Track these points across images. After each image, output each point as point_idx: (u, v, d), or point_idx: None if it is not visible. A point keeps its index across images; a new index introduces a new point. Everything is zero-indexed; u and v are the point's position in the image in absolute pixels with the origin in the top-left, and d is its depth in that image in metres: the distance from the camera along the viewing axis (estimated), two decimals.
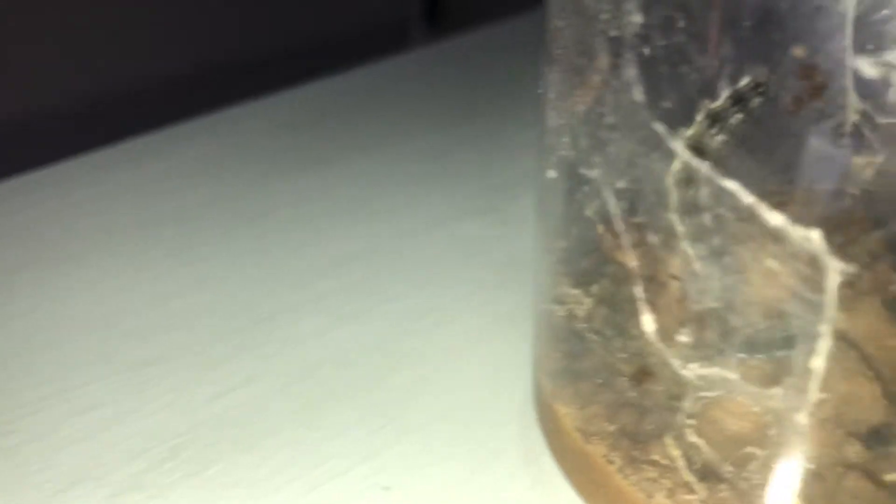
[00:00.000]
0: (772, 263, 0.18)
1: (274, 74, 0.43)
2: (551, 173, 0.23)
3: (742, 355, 0.19)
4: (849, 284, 0.17)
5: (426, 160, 0.39)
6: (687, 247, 0.19)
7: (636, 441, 0.22)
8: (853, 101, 0.17)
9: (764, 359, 0.19)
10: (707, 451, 0.20)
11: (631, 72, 0.19)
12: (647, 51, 0.18)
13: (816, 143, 0.17)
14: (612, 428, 0.23)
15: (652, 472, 0.22)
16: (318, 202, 0.37)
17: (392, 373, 0.28)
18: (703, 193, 0.17)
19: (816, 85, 0.18)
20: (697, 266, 0.19)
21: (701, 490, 0.21)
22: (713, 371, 0.19)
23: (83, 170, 0.38)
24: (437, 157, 0.39)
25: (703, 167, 0.18)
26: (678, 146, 0.18)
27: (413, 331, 0.30)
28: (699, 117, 0.19)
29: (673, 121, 0.18)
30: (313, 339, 0.30)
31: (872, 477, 0.20)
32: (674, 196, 0.18)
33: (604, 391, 0.23)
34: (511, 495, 0.24)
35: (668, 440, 0.21)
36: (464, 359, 0.29)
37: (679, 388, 0.20)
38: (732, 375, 0.19)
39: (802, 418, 0.19)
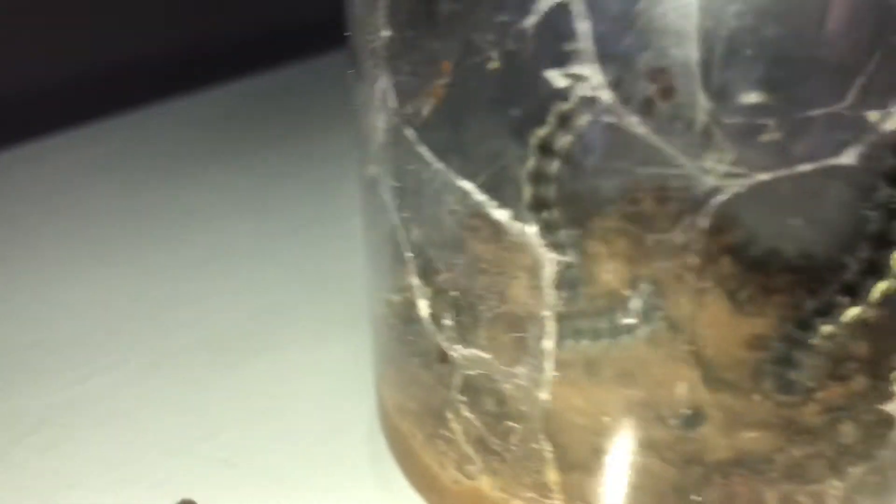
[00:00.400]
0: (502, 254, 0.20)
1: (187, 75, 0.45)
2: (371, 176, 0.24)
3: (488, 337, 0.21)
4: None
5: (328, 159, 0.41)
6: (440, 237, 0.21)
7: (431, 418, 0.24)
8: (702, 102, 0.18)
9: (507, 340, 0.21)
10: (478, 425, 0.23)
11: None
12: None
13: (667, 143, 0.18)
14: (413, 406, 0.25)
15: (442, 446, 0.24)
16: (212, 200, 0.39)
17: (246, 361, 0.31)
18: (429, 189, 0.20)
19: (666, 87, 0.20)
20: (449, 255, 0.21)
21: (478, 461, 0.23)
22: (471, 352, 0.21)
23: None
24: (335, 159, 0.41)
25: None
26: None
27: (272, 322, 0.32)
28: (551, 118, 0.20)
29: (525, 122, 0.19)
30: (180, 329, 0.32)
31: (671, 460, 0.22)
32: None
33: (405, 373, 0.25)
34: (352, 466, 0.27)
35: (450, 415, 0.23)
36: (321, 346, 0.31)
37: (450, 368, 0.22)
38: (486, 355, 0.21)
39: (544, 394, 0.21)
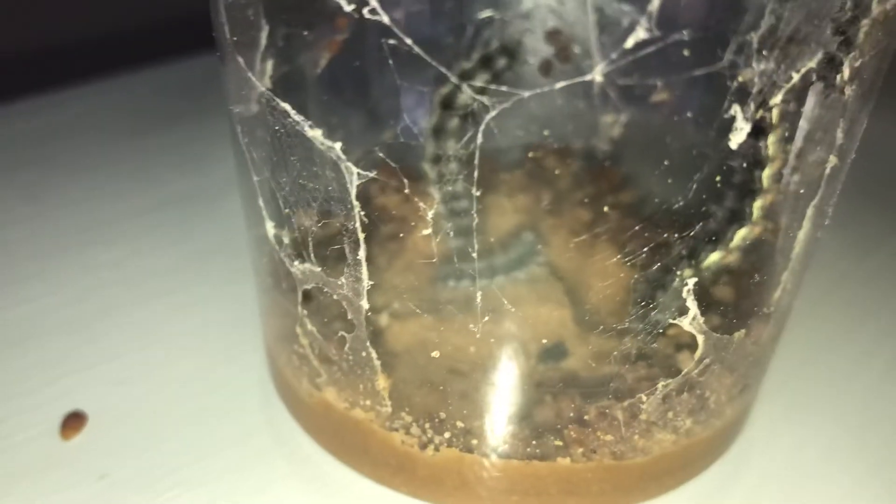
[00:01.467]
0: (316, 172, 0.21)
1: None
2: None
3: (316, 251, 0.23)
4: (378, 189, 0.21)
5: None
6: (271, 155, 0.23)
7: (287, 336, 0.26)
8: (599, 63, 0.20)
9: (330, 253, 0.22)
10: (319, 338, 0.24)
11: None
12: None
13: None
14: (276, 327, 0.27)
15: (296, 362, 0.26)
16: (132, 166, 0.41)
17: (159, 298, 0.33)
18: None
19: (564, 49, 0.21)
20: (280, 174, 0.23)
21: (323, 372, 0.25)
22: (305, 266, 0.23)
23: None
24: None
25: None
26: None
27: (185, 267, 0.35)
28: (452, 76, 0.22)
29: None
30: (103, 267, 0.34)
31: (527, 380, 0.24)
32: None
33: (267, 297, 0.27)
34: (243, 387, 0.29)
35: (299, 330, 0.25)
36: (230, 288, 0.33)
37: (293, 284, 0.24)
38: (316, 268, 0.23)
39: (364, 303, 0.23)
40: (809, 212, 0.23)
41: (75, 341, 0.31)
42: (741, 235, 0.24)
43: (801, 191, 0.23)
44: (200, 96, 0.47)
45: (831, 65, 0.20)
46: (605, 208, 0.23)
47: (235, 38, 0.22)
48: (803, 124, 0.22)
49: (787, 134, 0.22)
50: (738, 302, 0.24)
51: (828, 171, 0.23)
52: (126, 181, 0.41)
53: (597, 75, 0.19)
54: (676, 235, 0.22)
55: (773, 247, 0.25)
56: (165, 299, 0.33)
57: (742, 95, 0.19)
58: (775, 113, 0.21)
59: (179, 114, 0.46)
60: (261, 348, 0.30)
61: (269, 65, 0.22)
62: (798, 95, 0.21)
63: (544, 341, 0.24)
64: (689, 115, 0.20)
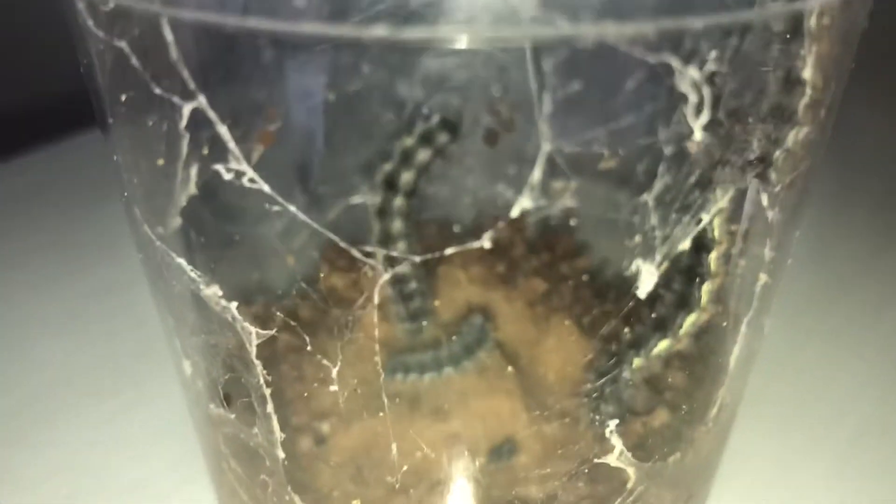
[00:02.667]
0: (212, 325, 0.21)
1: None
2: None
3: (226, 398, 0.22)
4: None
5: None
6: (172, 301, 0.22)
7: (214, 465, 0.25)
8: (545, 132, 0.19)
9: (240, 404, 0.22)
10: (243, 479, 0.24)
11: None
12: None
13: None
14: (204, 453, 0.26)
15: (228, 496, 0.25)
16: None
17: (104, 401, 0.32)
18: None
19: (505, 120, 0.20)
20: (178, 322, 0.22)
21: None
22: (221, 412, 0.23)
23: None
24: None
25: None
26: None
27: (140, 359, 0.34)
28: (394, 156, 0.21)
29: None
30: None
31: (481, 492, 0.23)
32: None
33: (194, 421, 0.26)
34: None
35: (224, 466, 0.24)
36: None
37: (212, 424, 0.23)
38: (230, 416, 0.22)
39: (280, 453, 0.22)
40: (743, 328, 0.22)
41: (15, 455, 0.30)
42: (690, 321, 0.23)
43: (734, 304, 0.22)
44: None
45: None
46: (560, 277, 0.23)
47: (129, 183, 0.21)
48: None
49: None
50: (670, 425, 0.23)
51: (758, 288, 0.22)
52: (81, 259, 0.40)
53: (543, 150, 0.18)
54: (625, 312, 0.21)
55: (721, 346, 0.24)
56: (115, 400, 0.32)
57: (645, 249, 0.18)
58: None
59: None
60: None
61: (167, 215, 0.21)
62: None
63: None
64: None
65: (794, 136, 0.19)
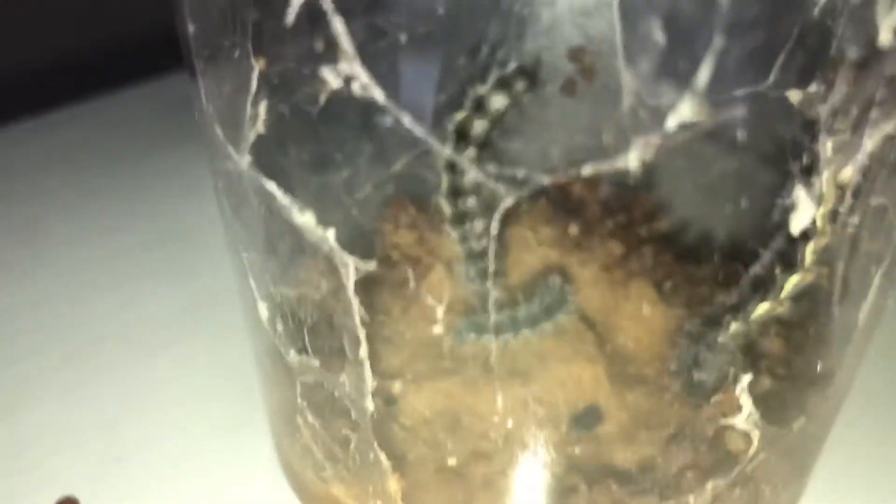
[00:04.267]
0: (309, 262, 0.19)
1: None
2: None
3: (313, 344, 0.20)
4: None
5: None
6: (257, 240, 0.20)
7: (287, 421, 0.24)
8: (627, 83, 0.17)
9: (330, 349, 0.20)
10: (321, 433, 0.22)
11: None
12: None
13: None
14: (276, 409, 0.24)
15: (299, 450, 0.24)
16: (119, 200, 0.39)
17: (158, 355, 0.31)
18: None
19: (587, 67, 0.18)
20: (264, 258, 0.20)
21: (328, 467, 0.23)
22: (302, 358, 0.21)
23: None
24: None
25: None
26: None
27: (180, 318, 0.32)
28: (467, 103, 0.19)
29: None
30: (90, 323, 0.32)
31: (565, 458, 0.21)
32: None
33: (264, 375, 0.24)
34: (242, 467, 0.27)
35: (299, 420, 0.23)
36: (224, 344, 0.31)
37: (290, 373, 0.22)
38: (314, 362, 0.20)
39: (369, 404, 0.20)
40: (874, 286, 0.20)
41: (66, 410, 0.28)
42: (792, 282, 0.21)
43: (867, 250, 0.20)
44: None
45: None
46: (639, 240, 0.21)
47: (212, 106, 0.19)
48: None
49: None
50: (795, 387, 0.21)
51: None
52: (120, 214, 0.38)
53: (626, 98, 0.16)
54: (720, 276, 0.19)
55: (828, 309, 0.22)
56: (165, 355, 0.30)
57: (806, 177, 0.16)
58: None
59: (179, 132, 0.43)
60: (263, 420, 0.27)
61: (252, 134, 0.19)
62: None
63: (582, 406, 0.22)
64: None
65: None
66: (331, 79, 0.16)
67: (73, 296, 0.33)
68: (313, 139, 0.18)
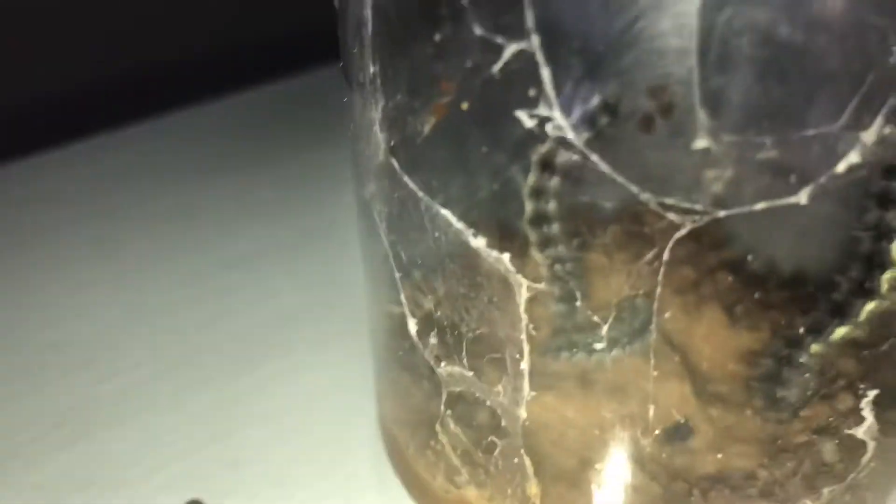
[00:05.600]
0: (479, 280, 0.20)
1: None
2: (364, 197, 0.25)
3: (469, 357, 0.22)
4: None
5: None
6: (424, 260, 0.22)
7: (421, 429, 0.25)
8: (702, 119, 0.19)
9: (488, 360, 0.21)
10: (464, 439, 0.23)
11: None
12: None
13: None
14: (405, 417, 0.26)
15: (432, 457, 0.25)
16: (225, 208, 0.40)
17: (257, 365, 0.32)
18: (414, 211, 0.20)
19: (665, 104, 0.20)
20: (432, 278, 0.22)
21: (465, 472, 0.24)
22: (455, 369, 0.22)
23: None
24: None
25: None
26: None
27: (282, 328, 0.34)
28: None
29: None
30: (194, 333, 0.33)
31: (653, 474, 0.23)
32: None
33: (398, 385, 0.26)
34: (353, 472, 0.28)
35: (438, 428, 0.24)
36: (328, 352, 0.32)
37: (437, 383, 0.23)
38: (468, 374, 0.22)
39: (522, 412, 0.22)
40: None
41: (177, 418, 0.30)
42: (870, 308, 0.23)
43: None
44: (290, 124, 0.46)
45: None
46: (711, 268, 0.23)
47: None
48: None
49: None
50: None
51: None
52: (208, 230, 0.40)
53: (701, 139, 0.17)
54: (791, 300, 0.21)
55: None
56: (266, 366, 0.32)
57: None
58: None
59: (268, 144, 0.45)
60: (372, 427, 0.29)
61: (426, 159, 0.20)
62: None
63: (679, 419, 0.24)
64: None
65: None
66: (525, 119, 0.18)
67: (162, 310, 0.35)
68: (493, 168, 0.20)
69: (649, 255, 0.23)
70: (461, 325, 0.21)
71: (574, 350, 0.23)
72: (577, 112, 0.18)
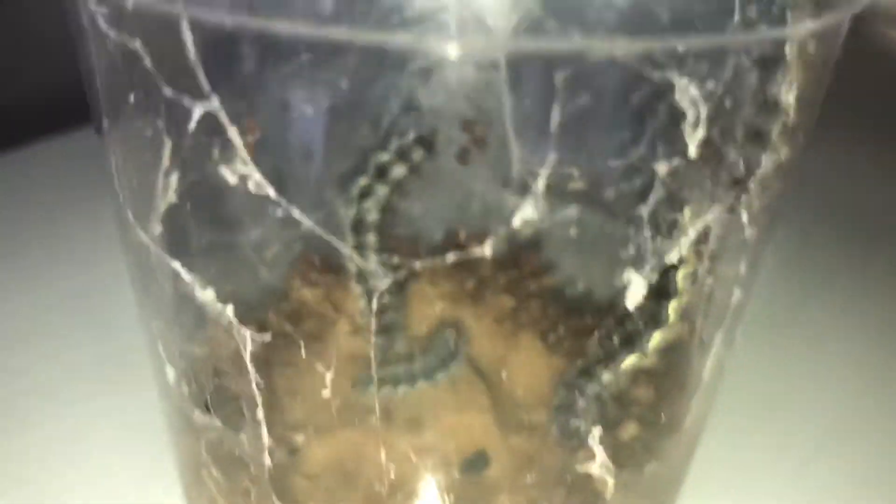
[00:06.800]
0: (207, 331, 0.21)
1: None
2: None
3: (212, 407, 0.22)
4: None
5: None
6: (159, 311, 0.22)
7: (193, 472, 0.25)
8: (516, 152, 0.19)
9: (231, 410, 0.22)
10: (223, 486, 0.24)
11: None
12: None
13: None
14: (182, 459, 0.26)
15: (203, 499, 0.25)
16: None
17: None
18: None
19: (478, 137, 0.20)
20: (168, 328, 0.22)
21: None
22: (206, 418, 0.23)
23: None
24: None
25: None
26: None
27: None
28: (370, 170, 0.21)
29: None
30: None
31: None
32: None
33: (172, 429, 0.26)
34: None
35: (204, 473, 0.24)
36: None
37: (195, 429, 0.23)
38: (216, 422, 0.22)
39: (266, 459, 0.22)
40: (717, 341, 0.23)
41: None
42: (658, 338, 0.24)
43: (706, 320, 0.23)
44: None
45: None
46: (527, 295, 0.23)
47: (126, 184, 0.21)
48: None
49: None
50: (644, 435, 0.24)
51: (732, 303, 0.23)
52: (25, 273, 0.39)
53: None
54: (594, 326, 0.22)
55: (687, 362, 0.25)
56: (81, 408, 0.32)
57: (637, 260, 0.19)
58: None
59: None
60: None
61: (160, 213, 0.21)
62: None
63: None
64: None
65: (774, 159, 0.20)
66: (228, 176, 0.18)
67: None
68: (216, 218, 0.20)
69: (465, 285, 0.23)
70: (200, 376, 0.22)
71: (381, 384, 0.23)
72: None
